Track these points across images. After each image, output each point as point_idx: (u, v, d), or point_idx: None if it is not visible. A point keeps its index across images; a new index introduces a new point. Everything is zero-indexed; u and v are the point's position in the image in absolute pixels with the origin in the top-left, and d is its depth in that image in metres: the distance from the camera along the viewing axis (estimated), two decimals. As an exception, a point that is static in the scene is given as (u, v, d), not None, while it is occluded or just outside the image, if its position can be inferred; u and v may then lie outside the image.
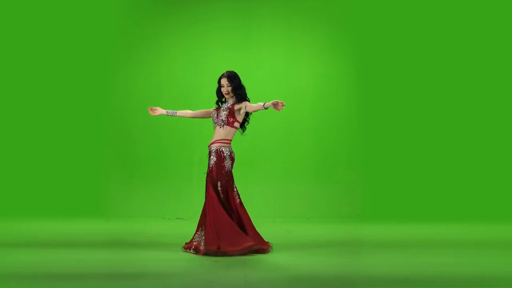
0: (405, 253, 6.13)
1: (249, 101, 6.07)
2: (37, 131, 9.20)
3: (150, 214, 9.07)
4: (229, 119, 6.01)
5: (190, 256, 5.82)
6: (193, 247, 5.97)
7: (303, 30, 9.31)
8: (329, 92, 9.29)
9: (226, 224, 5.85)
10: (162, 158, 9.27)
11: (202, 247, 5.89)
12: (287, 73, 9.29)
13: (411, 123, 9.15)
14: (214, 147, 6.05)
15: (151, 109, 6.37)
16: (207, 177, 6.04)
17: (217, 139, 6.06)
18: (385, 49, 9.17)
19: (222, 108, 6.10)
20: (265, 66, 9.28)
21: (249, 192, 8.47)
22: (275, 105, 5.66)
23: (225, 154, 6.04)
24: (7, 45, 9.22)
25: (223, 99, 6.16)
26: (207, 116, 6.29)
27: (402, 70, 9.18)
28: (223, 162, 6.03)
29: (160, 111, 6.34)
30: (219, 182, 6.00)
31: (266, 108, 5.82)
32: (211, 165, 6.02)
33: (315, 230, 7.84)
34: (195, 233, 6.08)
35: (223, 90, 6.07)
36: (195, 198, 8.93)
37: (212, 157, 6.04)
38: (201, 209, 6.13)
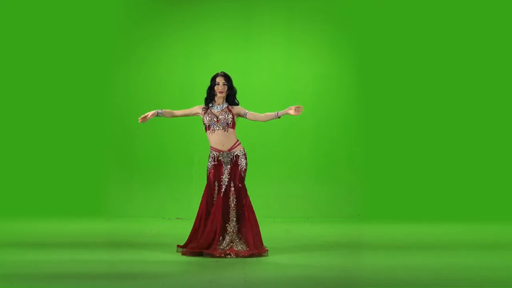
0: (405, 254, 6.13)
1: (238, 104, 6.05)
2: (37, 131, 9.20)
3: (150, 214, 9.06)
4: (233, 122, 5.96)
5: (190, 256, 5.82)
6: (227, 252, 5.76)
7: (303, 30, 9.31)
8: (329, 92, 9.29)
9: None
10: (162, 158, 9.27)
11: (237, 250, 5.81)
12: (287, 73, 9.29)
13: (411, 123, 9.15)
14: (237, 151, 5.98)
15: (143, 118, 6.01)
16: (236, 182, 5.97)
17: (233, 143, 5.97)
18: (385, 49, 9.17)
19: (216, 110, 5.96)
20: (265, 66, 9.28)
21: (249, 192, 8.44)
22: (293, 110, 5.70)
23: (246, 155, 6.04)
24: (7, 46, 9.21)
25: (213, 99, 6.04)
26: (189, 115, 6.13)
27: (402, 70, 9.18)
28: (245, 161, 6.03)
29: (151, 114, 5.99)
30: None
31: (279, 117, 5.82)
32: (242, 167, 5.98)
33: (315, 230, 7.84)
34: (216, 238, 5.87)
35: (219, 88, 5.93)
36: (195, 198, 8.91)
37: (241, 160, 5.96)
38: (216, 213, 5.95)
